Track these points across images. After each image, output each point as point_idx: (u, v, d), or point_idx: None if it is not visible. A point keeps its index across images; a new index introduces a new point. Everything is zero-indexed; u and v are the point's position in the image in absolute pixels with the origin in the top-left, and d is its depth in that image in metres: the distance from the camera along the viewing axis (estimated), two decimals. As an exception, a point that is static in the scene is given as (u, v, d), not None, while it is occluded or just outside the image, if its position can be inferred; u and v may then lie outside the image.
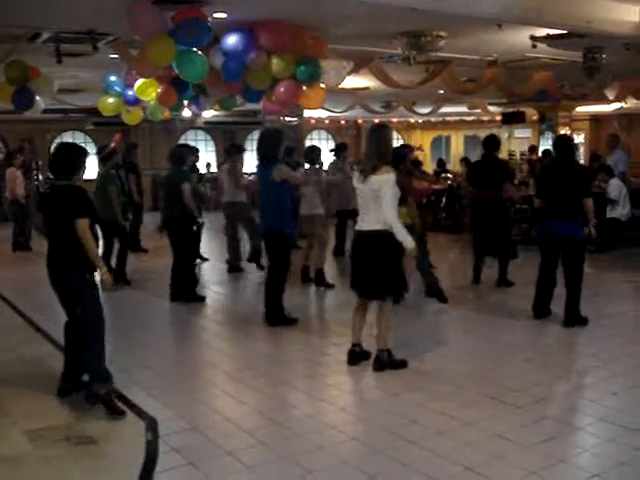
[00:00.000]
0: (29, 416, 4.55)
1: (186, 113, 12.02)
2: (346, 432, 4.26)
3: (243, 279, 9.48)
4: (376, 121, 20.51)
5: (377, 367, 5.33)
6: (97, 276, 4.74)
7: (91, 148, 13.80)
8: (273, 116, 9.42)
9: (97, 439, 4.17)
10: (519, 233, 10.79)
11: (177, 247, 7.94)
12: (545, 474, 3.63)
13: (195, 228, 8.06)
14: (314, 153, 8.95)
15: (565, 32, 7.76)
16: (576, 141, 19.71)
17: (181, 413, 4.58)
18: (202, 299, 7.97)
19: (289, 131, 9.42)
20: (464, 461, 3.78)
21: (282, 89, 7.56)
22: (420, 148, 20.73)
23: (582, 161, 19.22)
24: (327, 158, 10.53)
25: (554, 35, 8.01)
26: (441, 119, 22.64)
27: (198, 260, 9.93)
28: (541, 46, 8.54)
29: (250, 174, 9.86)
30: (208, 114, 15.97)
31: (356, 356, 5.52)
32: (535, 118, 17.55)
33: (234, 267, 9.68)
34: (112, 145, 9.32)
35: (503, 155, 16.46)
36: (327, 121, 22.23)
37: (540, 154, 14.68)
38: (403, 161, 6.78)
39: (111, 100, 9.51)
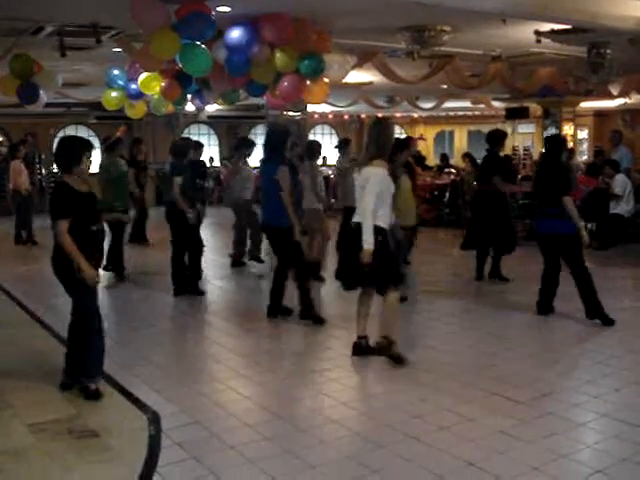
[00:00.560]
0: (31, 409, 4.56)
1: (189, 107, 12.01)
2: (349, 427, 4.26)
3: (246, 274, 9.48)
4: (379, 115, 20.55)
5: (376, 353, 5.38)
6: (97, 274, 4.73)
7: (95, 142, 13.78)
8: (277, 110, 9.37)
9: (100, 433, 4.18)
10: (523, 229, 10.76)
11: (173, 239, 7.99)
12: (547, 470, 3.63)
13: (192, 219, 7.94)
14: (313, 148, 8.93)
15: (570, 27, 7.74)
16: (580, 137, 19.70)
17: (184, 407, 4.58)
18: (201, 293, 7.99)
19: (293, 125, 9.38)
20: (466, 456, 3.78)
21: (286, 83, 7.55)
22: (422, 137, 20.72)
23: (585, 157, 19.22)
24: (331, 154, 10.50)
25: (559, 30, 7.98)
26: (444, 114, 22.58)
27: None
28: (545, 41, 8.51)
29: (254, 168, 9.84)
30: (211, 108, 15.96)
31: (361, 349, 5.51)
32: (539, 114, 17.50)
33: (237, 261, 9.70)
34: (117, 134, 9.37)
35: (507, 150, 16.45)
36: (330, 116, 22.21)
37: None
38: (402, 152, 6.69)
39: (114, 94, 9.52)
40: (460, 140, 24.67)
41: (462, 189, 13.12)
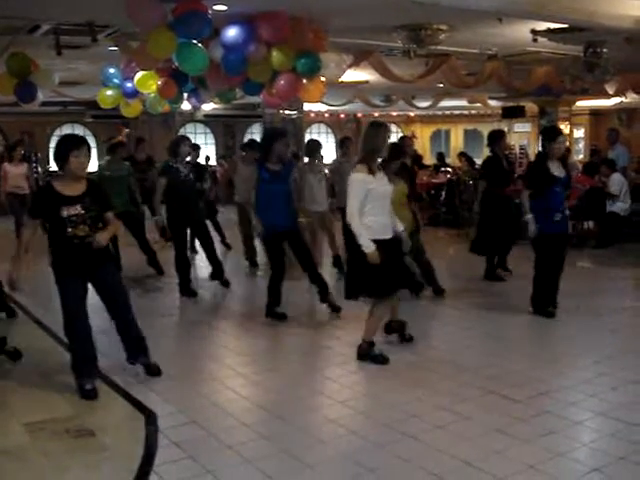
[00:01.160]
0: (29, 409, 4.56)
1: (185, 106, 11.98)
2: (346, 426, 4.26)
3: (246, 273, 9.48)
4: (376, 115, 20.55)
5: (357, 357, 5.42)
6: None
7: (91, 141, 13.74)
8: (273, 109, 9.34)
9: (97, 432, 4.17)
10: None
11: (173, 239, 8.04)
12: (544, 468, 3.63)
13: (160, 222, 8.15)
14: (313, 147, 8.91)
15: (566, 26, 7.74)
16: (576, 136, 19.73)
17: (181, 407, 4.58)
18: (194, 294, 7.94)
19: (289, 124, 9.35)
20: (463, 455, 3.78)
21: (282, 82, 7.54)
22: (414, 135, 20.69)
23: (581, 156, 19.25)
24: (329, 153, 10.45)
25: (555, 29, 7.98)
26: (441, 113, 22.58)
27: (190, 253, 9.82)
28: (542, 40, 8.51)
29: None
30: (208, 107, 15.93)
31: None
32: (535, 112, 17.49)
33: (253, 261, 9.73)
34: (120, 138, 9.43)
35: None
36: (327, 115, 22.19)
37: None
38: (396, 159, 6.49)
39: (110, 92, 9.48)
40: (456, 139, 24.67)
41: (458, 188, 13.13)
